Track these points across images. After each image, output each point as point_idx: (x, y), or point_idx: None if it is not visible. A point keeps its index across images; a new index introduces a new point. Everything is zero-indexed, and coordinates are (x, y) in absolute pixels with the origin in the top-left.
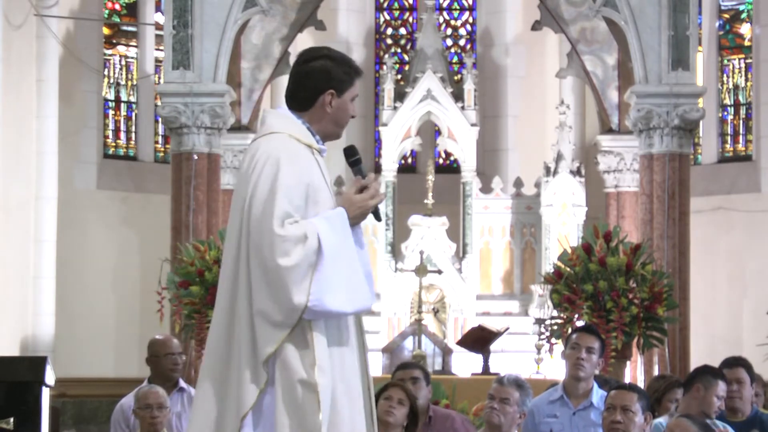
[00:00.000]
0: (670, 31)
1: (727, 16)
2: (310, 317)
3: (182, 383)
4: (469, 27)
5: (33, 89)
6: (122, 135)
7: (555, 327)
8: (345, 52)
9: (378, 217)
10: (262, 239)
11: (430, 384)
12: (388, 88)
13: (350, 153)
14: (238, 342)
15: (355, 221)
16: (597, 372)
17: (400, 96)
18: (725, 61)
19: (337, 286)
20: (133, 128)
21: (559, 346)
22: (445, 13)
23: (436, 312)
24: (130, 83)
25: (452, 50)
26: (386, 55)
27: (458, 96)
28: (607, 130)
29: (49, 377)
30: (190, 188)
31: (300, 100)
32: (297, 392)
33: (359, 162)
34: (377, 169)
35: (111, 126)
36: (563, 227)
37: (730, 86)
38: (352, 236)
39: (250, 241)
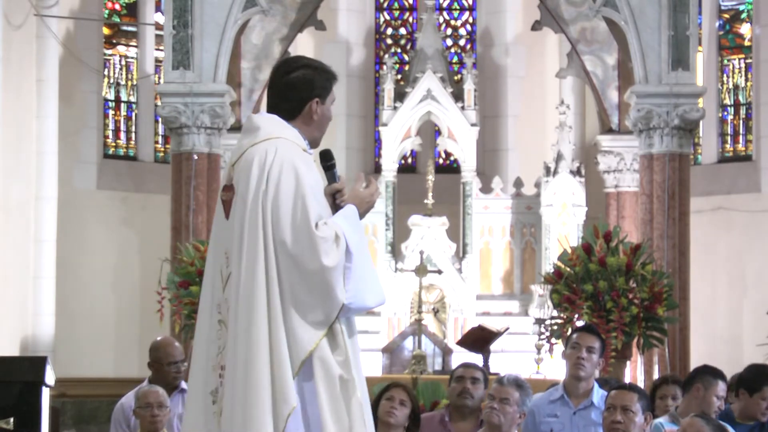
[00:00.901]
0: (670, 31)
1: (727, 16)
2: (344, 314)
3: (183, 384)
4: (469, 27)
5: (33, 89)
6: (122, 135)
7: (555, 327)
8: (345, 53)
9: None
10: (300, 242)
11: (487, 387)
12: (388, 88)
13: (327, 157)
14: (274, 344)
15: (361, 217)
16: (597, 372)
17: (400, 96)
18: (725, 61)
19: (364, 282)
20: (133, 128)
21: (559, 346)
22: (445, 13)
23: (436, 312)
24: (130, 83)
25: (452, 50)
26: (386, 55)
27: (458, 96)
28: (607, 130)
29: (49, 377)
30: (190, 188)
31: (286, 110)
32: (336, 388)
33: (334, 167)
34: (377, 169)
35: (111, 126)
36: (563, 227)
37: (730, 86)
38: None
39: (278, 246)
